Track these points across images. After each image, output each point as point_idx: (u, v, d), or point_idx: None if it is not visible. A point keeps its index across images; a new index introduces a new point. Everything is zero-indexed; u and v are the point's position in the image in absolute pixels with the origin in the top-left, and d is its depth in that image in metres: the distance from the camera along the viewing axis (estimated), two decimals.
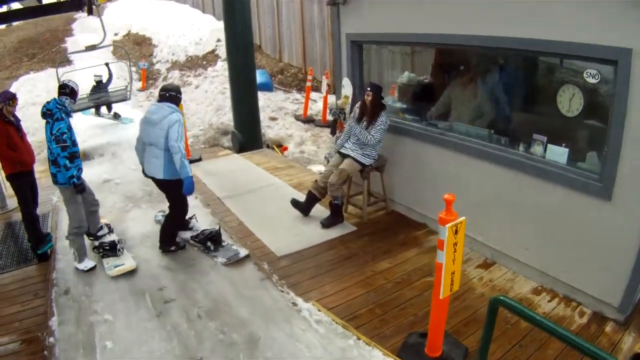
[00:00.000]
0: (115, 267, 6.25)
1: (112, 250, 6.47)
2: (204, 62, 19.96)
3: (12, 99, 6.65)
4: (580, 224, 4.93)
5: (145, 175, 6.52)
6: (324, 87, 13.76)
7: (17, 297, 6.00)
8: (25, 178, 6.85)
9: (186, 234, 6.93)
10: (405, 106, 7.53)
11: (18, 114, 6.99)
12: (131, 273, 6.19)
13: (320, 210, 7.43)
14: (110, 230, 7.15)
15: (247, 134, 11.73)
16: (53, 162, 6.15)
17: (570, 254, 5.07)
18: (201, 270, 6.17)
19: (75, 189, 6.14)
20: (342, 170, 6.83)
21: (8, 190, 8.03)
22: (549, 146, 5.14)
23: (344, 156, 7.04)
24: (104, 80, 13.76)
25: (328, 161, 7.40)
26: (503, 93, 6.12)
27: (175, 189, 6.22)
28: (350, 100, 7.82)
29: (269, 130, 13.16)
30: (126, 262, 6.37)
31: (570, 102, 4.86)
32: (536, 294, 5.31)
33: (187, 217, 6.96)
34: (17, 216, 8.06)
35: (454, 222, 3.68)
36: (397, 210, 7.46)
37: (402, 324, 4.92)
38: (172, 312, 5.33)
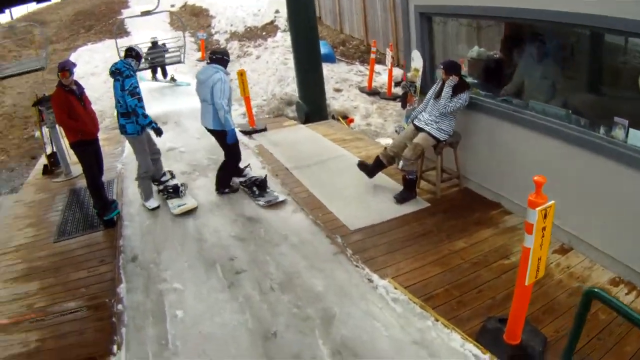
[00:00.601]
0: (179, 206, 7.12)
1: (175, 192, 7.36)
2: (263, 33, 20.01)
3: (60, 71, 6.68)
4: None
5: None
6: (389, 60, 13.55)
7: (83, 262, 6.17)
8: (88, 146, 6.94)
9: (238, 180, 7.76)
10: (475, 81, 7.28)
11: None
12: (200, 242, 6.27)
13: (390, 182, 7.39)
14: (173, 176, 7.88)
15: (312, 105, 11.64)
16: (123, 114, 6.91)
17: None
18: (272, 242, 6.15)
19: (157, 133, 7.03)
20: (416, 145, 6.69)
21: (72, 157, 8.21)
22: (631, 130, 4.82)
23: (417, 129, 6.89)
24: (159, 42, 15.10)
25: (398, 133, 7.28)
26: (580, 73, 5.88)
27: (224, 138, 7.12)
28: (420, 72, 7.64)
29: (334, 101, 13.06)
30: (188, 202, 7.26)
31: None
32: (614, 285, 5.07)
33: (242, 166, 7.83)
34: (82, 183, 8.24)
35: (544, 205, 3.54)
36: (470, 187, 7.27)
37: (479, 308, 4.79)
38: (244, 284, 5.33)
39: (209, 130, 7.25)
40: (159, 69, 16.24)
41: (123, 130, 7.04)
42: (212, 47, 20.28)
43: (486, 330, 4.44)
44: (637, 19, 4.36)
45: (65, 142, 8.30)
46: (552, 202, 3.61)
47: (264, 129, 10.82)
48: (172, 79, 16.04)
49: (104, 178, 7.48)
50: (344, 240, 6.04)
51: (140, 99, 6.78)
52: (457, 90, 6.52)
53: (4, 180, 12.03)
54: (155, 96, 13.77)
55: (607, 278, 5.18)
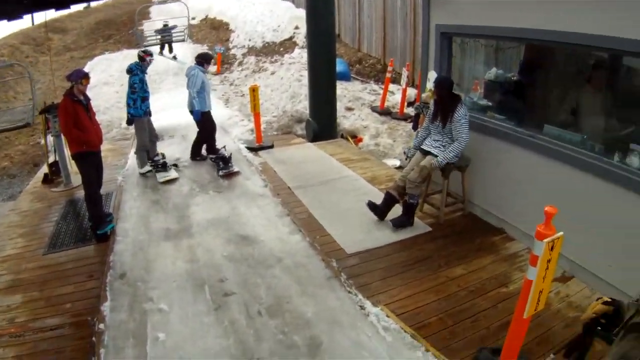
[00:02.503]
0: (164, 177, 8.96)
1: (163, 167, 9.23)
2: (281, 49, 20.02)
3: (84, 77, 6.85)
4: None
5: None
6: (404, 79, 13.47)
7: (71, 277, 6.07)
8: (90, 158, 6.97)
9: (213, 156, 9.63)
10: (491, 104, 7.14)
11: (90, 92, 7.16)
12: (192, 262, 6.14)
13: (395, 206, 7.03)
14: (164, 157, 9.41)
15: (322, 123, 11.52)
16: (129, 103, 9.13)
17: None
18: (265, 263, 6.02)
19: (127, 120, 9.32)
20: (423, 167, 6.49)
21: (73, 167, 8.17)
22: None
23: (425, 153, 6.70)
24: (170, 25, 20.47)
25: (407, 156, 7.08)
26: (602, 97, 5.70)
27: (194, 118, 9.59)
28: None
29: (345, 120, 12.95)
30: (171, 174, 9.11)
31: None
32: None
33: (218, 147, 9.75)
34: (80, 194, 8.23)
35: (551, 237, 3.39)
36: (475, 212, 7.11)
37: (473, 338, 4.62)
38: (232, 307, 5.20)
39: (189, 111, 9.61)
40: (166, 47, 20.98)
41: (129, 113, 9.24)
42: (229, 61, 20.64)
43: None
44: None
45: (67, 152, 8.33)
46: (561, 233, 3.47)
47: (271, 146, 10.78)
48: (174, 57, 20.47)
49: (103, 190, 7.47)
50: (339, 264, 5.89)
51: (134, 92, 8.88)
52: (447, 108, 6.42)
53: (3, 187, 12.20)
54: (166, 108, 13.87)
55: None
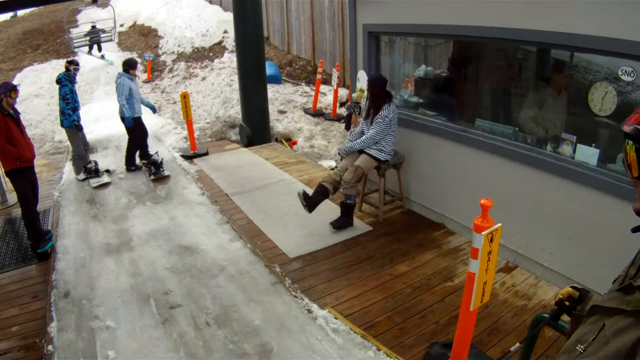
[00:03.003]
0: (97, 182, 9.19)
1: (95, 173, 9.48)
2: (211, 54, 19.74)
3: (12, 90, 6.59)
4: (609, 229, 4.58)
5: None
6: (335, 80, 13.48)
7: (15, 299, 5.81)
8: (25, 174, 6.75)
9: (143, 161, 9.90)
10: (422, 101, 7.22)
11: (21, 105, 6.86)
12: (135, 275, 5.98)
13: (332, 206, 7.10)
14: (96, 164, 9.63)
15: (255, 128, 11.48)
16: (60, 112, 9.27)
17: (599, 261, 4.70)
18: (209, 273, 5.91)
19: (77, 128, 9.32)
20: (357, 167, 6.48)
21: (8, 185, 7.86)
22: (579, 146, 4.83)
23: (359, 152, 6.69)
24: (97, 27, 21.25)
25: (341, 156, 7.09)
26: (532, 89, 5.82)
27: (126, 125, 9.53)
28: (365, 93, 7.51)
29: (278, 123, 12.90)
30: (104, 179, 9.31)
31: (602, 100, 4.57)
32: None
33: (151, 153, 9.90)
34: (18, 212, 7.86)
35: (490, 229, 3.40)
36: (414, 209, 7.18)
37: (423, 333, 4.64)
38: (179, 319, 5.08)
39: (121, 119, 9.53)
40: (95, 46, 21.44)
41: (61, 124, 9.43)
42: (159, 68, 20.31)
43: (430, 356, 4.30)
44: (582, 34, 4.43)
45: (1, 170, 7.98)
46: (499, 225, 3.49)
47: (206, 153, 10.63)
48: (102, 57, 21.07)
49: (40, 207, 7.23)
50: (282, 269, 5.84)
51: (67, 103, 9.06)
52: (379, 106, 6.46)
53: None
54: (99, 119, 13.74)
55: (553, 294, 5.09)
